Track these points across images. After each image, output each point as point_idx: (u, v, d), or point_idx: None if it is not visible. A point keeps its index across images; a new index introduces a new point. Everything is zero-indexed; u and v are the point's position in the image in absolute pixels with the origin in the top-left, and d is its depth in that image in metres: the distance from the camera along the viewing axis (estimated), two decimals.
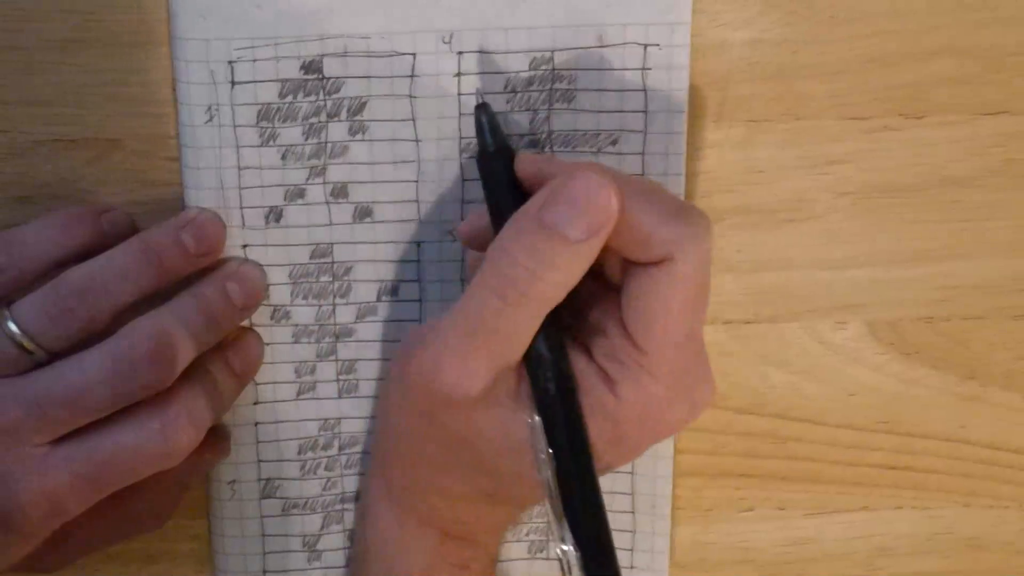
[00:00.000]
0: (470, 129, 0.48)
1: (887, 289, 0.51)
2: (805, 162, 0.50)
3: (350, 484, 0.52)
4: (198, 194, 0.48)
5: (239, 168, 0.48)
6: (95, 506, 0.45)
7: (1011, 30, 0.48)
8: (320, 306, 0.50)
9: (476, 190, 0.49)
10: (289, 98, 0.47)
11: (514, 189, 0.44)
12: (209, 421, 0.47)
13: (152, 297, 0.46)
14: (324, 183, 0.48)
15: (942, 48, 0.49)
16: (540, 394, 0.43)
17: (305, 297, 0.50)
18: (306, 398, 0.51)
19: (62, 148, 0.48)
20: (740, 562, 0.54)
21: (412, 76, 0.48)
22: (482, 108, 0.45)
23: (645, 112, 0.48)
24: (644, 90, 0.48)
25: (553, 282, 0.41)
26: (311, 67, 0.47)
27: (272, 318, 0.50)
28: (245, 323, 0.49)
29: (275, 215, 0.48)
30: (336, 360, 0.51)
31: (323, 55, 0.47)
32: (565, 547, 0.43)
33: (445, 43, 0.47)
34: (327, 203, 0.49)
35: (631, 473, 0.52)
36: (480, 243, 0.45)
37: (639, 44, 0.48)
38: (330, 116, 0.48)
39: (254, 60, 0.47)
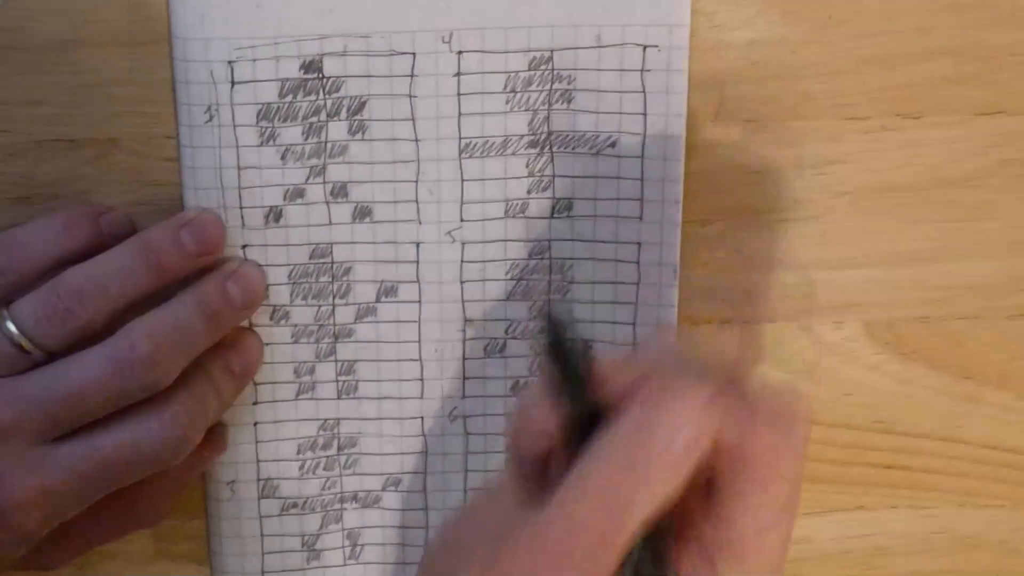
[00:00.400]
0: (470, 129, 0.48)
1: (884, 289, 0.51)
2: (803, 162, 0.50)
3: (349, 484, 0.52)
4: (197, 194, 0.48)
5: (239, 168, 0.48)
6: (93, 504, 0.45)
7: (1008, 30, 0.49)
8: (319, 306, 0.50)
9: (476, 190, 0.49)
10: (289, 98, 0.47)
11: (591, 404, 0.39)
12: (208, 421, 0.47)
13: (151, 297, 0.46)
14: (324, 183, 0.48)
15: (939, 48, 0.49)
16: None
17: (304, 297, 0.50)
18: (305, 398, 0.51)
19: (61, 148, 0.48)
20: None
21: (412, 76, 0.48)
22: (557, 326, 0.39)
23: (644, 115, 0.48)
24: (643, 92, 0.48)
25: (650, 508, 0.36)
26: (311, 67, 0.47)
27: (271, 318, 0.50)
28: (244, 323, 0.49)
29: (275, 215, 0.48)
30: (335, 360, 0.51)
31: (323, 54, 0.47)
32: None
33: (445, 43, 0.47)
34: (327, 203, 0.49)
35: None
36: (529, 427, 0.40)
37: (638, 45, 0.48)
38: (330, 116, 0.48)
39: (254, 60, 0.47)
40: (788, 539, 0.40)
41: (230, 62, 0.47)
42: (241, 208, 0.48)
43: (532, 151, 0.49)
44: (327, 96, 0.48)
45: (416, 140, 0.48)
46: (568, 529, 0.36)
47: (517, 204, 0.50)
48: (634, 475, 0.36)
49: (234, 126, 0.47)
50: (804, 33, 0.48)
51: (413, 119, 0.48)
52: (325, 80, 0.47)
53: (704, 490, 0.39)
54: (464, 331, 0.51)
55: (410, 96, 0.48)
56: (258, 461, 0.51)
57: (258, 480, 0.51)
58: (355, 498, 0.52)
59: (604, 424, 0.37)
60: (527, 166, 0.49)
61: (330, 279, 0.50)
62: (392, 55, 0.47)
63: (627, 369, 0.39)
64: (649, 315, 0.50)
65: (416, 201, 0.49)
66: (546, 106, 0.49)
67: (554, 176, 0.49)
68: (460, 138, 0.48)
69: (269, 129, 0.47)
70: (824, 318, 0.52)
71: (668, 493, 0.36)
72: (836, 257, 0.51)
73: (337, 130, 0.48)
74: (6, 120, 0.48)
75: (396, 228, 0.49)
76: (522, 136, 0.49)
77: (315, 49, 0.47)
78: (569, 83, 0.48)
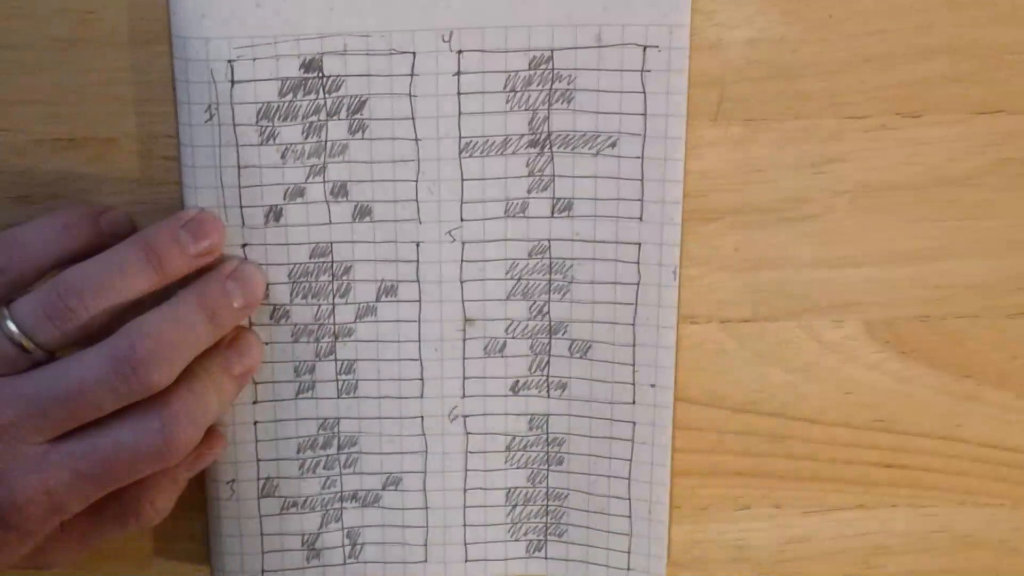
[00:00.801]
0: (470, 128, 0.48)
1: (884, 288, 0.51)
2: (803, 161, 0.50)
3: (349, 483, 0.52)
4: (197, 193, 0.48)
5: (238, 167, 0.48)
6: (93, 503, 0.45)
7: (1008, 29, 0.49)
8: (319, 305, 0.50)
9: (476, 190, 0.49)
10: (289, 97, 0.47)
11: None
12: (208, 420, 0.47)
13: (151, 296, 0.46)
14: (324, 182, 0.48)
15: (939, 47, 0.49)
16: None
17: (304, 296, 0.50)
18: (305, 397, 0.51)
19: (61, 147, 0.48)
20: (736, 560, 0.55)
21: (412, 75, 0.48)
22: None
23: (644, 115, 0.48)
24: (643, 93, 0.48)
25: None
26: (311, 66, 0.47)
27: (271, 317, 0.50)
28: (244, 322, 0.49)
29: (275, 214, 0.48)
30: (335, 360, 0.51)
31: (323, 53, 0.47)
32: None
33: (445, 42, 0.47)
34: (327, 202, 0.49)
35: (628, 479, 0.52)
36: None
37: (638, 45, 0.48)
38: (330, 115, 0.48)
39: (254, 59, 0.47)
40: None
41: (230, 61, 0.47)
42: (241, 207, 0.48)
43: (532, 151, 0.49)
44: (327, 95, 0.48)
45: (416, 139, 0.48)
46: None
47: (517, 204, 0.50)
48: None
49: (234, 125, 0.47)
50: (804, 32, 0.48)
51: (413, 118, 0.48)
52: (325, 79, 0.47)
53: None
54: (464, 331, 0.51)
55: (410, 95, 0.48)
56: (258, 460, 0.51)
57: (258, 479, 0.51)
58: (355, 497, 0.52)
59: None
60: (527, 166, 0.49)
61: (330, 278, 0.50)
62: (392, 54, 0.47)
63: None
64: (649, 316, 0.50)
65: (416, 200, 0.49)
66: (546, 106, 0.49)
67: (554, 176, 0.49)
68: (460, 137, 0.48)
69: (269, 128, 0.47)
70: (824, 317, 0.52)
71: None
72: (836, 256, 0.51)
73: (337, 129, 0.48)
74: (6, 119, 0.48)
75: (396, 227, 0.49)
76: (522, 136, 0.49)
77: (315, 48, 0.47)
78: (569, 83, 0.48)
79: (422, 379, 0.51)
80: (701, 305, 0.51)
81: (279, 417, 0.51)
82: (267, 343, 0.50)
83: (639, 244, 0.50)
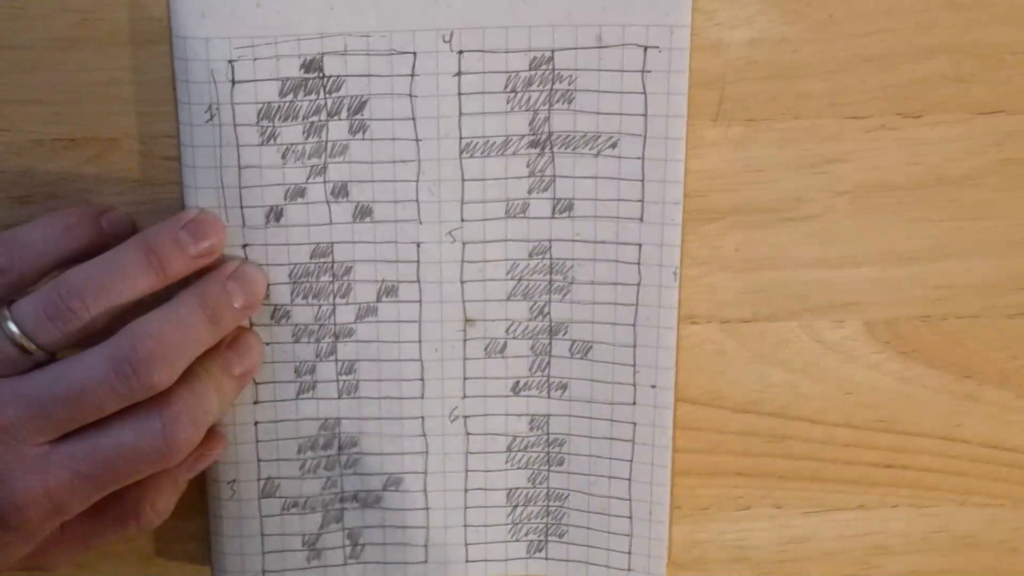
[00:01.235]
0: (470, 128, 0.48)
1: (884, 288, 0.51)
2: (803, 161, 0.50)
3: (349, 484, 0.52)
4: (198, 193, 0.48)
5: (239, 167, 0.48)
6: (94, 504, 0.45)
7: (1008, 29, 0.49)
8: (320, 306, 0.50)
9: (476, 190, 0.49)
10: (289, 97, 0.47)
11: None
12: (209, 421, 0.47)
13: (152, 297, 0.46)
14: (324, 182, 0.48)
15: (940, 47, 0.49)
16: None
17: (305, 297, 0.50)
18: (306, 398, 0.51)
19: (61, 147, 0.48)
20: (737, 560, 0.55)
21: (412, 75, 0.48)
22: None
23: (644, 116, 0.48)
24: (644, 93, 0.48)
25: None
26: (311, 66, 0.47)
27: (272, 318, 0.50)
28: (245, 323, 0.49)
29: (275, 214, 0.48)
30: (336, 360, 0.51)
31: (323, 53, 0.47)
32: None
33: (445, 42, 0.47)
34: (327, 202, 0.49)
35: (628, 479, 0.52)
36: None
37: (639, 46, 0.48)
38: (330, 115, 0.48)
39: (254, 59, 0.47)
40: None
41: (230, 61, 0.47)
42: (242, 207, 0.48)
43: (533, 151, 0.49)
44: (328, 95, 0.48)
45: (417, 139, 0.48)
46: None
47: (517, 204, 0.50)
48: None
49: (235, 125, 0.47)
50: (804, 32, 0.48)
51: (414, 118, 0.48)
52: (326, 79, 0.47)
53: None
54: (465, 331, 0.51)
55: (411, 95, 0.48)
56: (259, 460, 0.51)
57: (259, 479, 0.51)
58: (355, 498, 0.52)
59: None
60: (528, 166, 0.49)
61: (331, 279, 0.50)
62: (393, 54, 0.47)
63: None
64: (649, 316, 0.50)
65: (417, 201, 0.49)
66: (547, 106, 0.49)
67: (555, 176, 0.49)
68: (461, 138, 0.48)
69: (270, 128, 0.47)
70: (824, 317, 0.52)
71: None
72: (836, 256, 0.51)
73: (338, 129, 0.48)
74: (6, 119, 0.48)
75: (396, 228, 0.49)
76: (523, 136, 0.49)
77: (316, 48, 0.47)
78: (570, 83, 0.48)
79: (423, 380, 0.51)
80: (701, 305, 0.51)
81: (280, 417, 0.51)
82: (268, 343, 0.50)
83: (640, 245, 0.50)
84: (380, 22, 0.47)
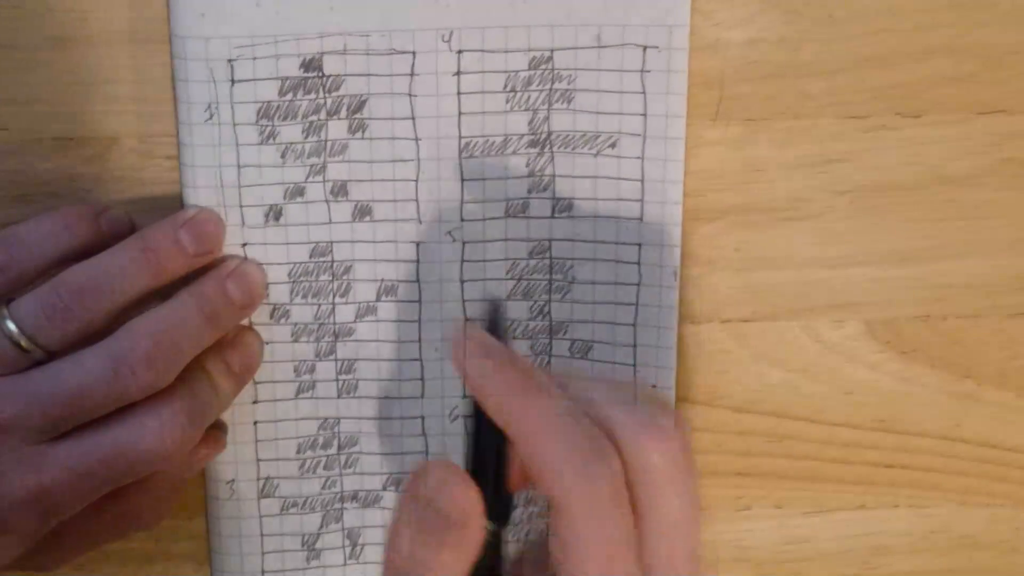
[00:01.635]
0: (470, 128, 0.48)
1: (884, 288, 0.51)
2: (803, 161, 0.50)
3: (349, 483, 0.52)
4: (197, 192, 0.48)
5: (238, 166, 0.48)
6: (92, 504, 0.45)
7: (1008, 29, 0.49)
8: (319, 305, 0.50)
9: (475, 190, 0.49)
10: (289, 96, 0.47)
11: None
12: (207, 420, 0.47)
13: (151, 296, 0.46)
14: (324, 181, 0.48)
15: (939, 47, 0.49)
16: None
17: (304, 296, 0.50)
18: (305, 397, 0.51)
19: (60, 146, 0.48)
20: (737, 560, 0.55)
21: (412, 74, 0.48)
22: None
23: (644, 116, 0.48)
24: (643, 93, 0.48)
25: (444, 569, 0.39)
26: (311, 65, 0.47)
27: (271, 317, 0.50)
28: (244, 322, 0.49)
29: (275, 214, 0.48)
30: (335, 359, 0.51)
31: (323, 53, 0.47)
32: None
33: (445, 41, 0.47)
34: (327, 202, 0.49)
35: None
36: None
37: (638, 46, 0.48)
38: (330, 114, 0.48)
39: (254, 58, 0.47)
40: (695, 554, 0.41)
41: (230, 60, 0.47)
42: (241, 207, 0.48)
43: (532, 151, 0.49)
44: (327, 95, 0.48)
45: (416, 139, 0.48)
46: None
47: (517, 204, 0.50)
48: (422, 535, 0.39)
49: (234, 124, 0.47)
50: (804, 32, 0.48)
51: (413, 118, 0.48)
52: (325, 78, 0.47)
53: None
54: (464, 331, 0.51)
55: (410, 95, 0.48)
56: (258, 460, 0.51)
57: (258, 479, 0.51)
58: (355, 497, 0.52)
59: None
60: (527, 166, 0.49)
61: (330, 278, 0.50)
62: (392, 54, 0.47)
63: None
64: (649, 316, 0.50)
65: (416, 200, 0.49)
66: (546, 106, 0.49)
67: (554, 176, 0.49)
68: (460, 137, 0.48)
69: (269, 127, 0.47)
70: (824, 317, 0.52)
71: (463, 551, 0.39)
72: (836, 256, 0.51)
73: (337, 129, 0.48)
74: (5, 118, 0.48)
75: (396, 227, 0.49)
76: (522, 136, 0.49)
77: (315, 47, 0.47)
78: (569, 83, 0.48)
79: (422, 379, 0.51)
80: (701, 305, 0.51)
81: (279, 417, 0.51)
82: (267, 343, 0.50)
83: (639, 244, 0.50)
84: (380, 22, 0.47)
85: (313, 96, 0.47)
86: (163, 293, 0.46)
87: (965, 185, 0.50)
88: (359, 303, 0.50)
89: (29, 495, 0.44)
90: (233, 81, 0.47)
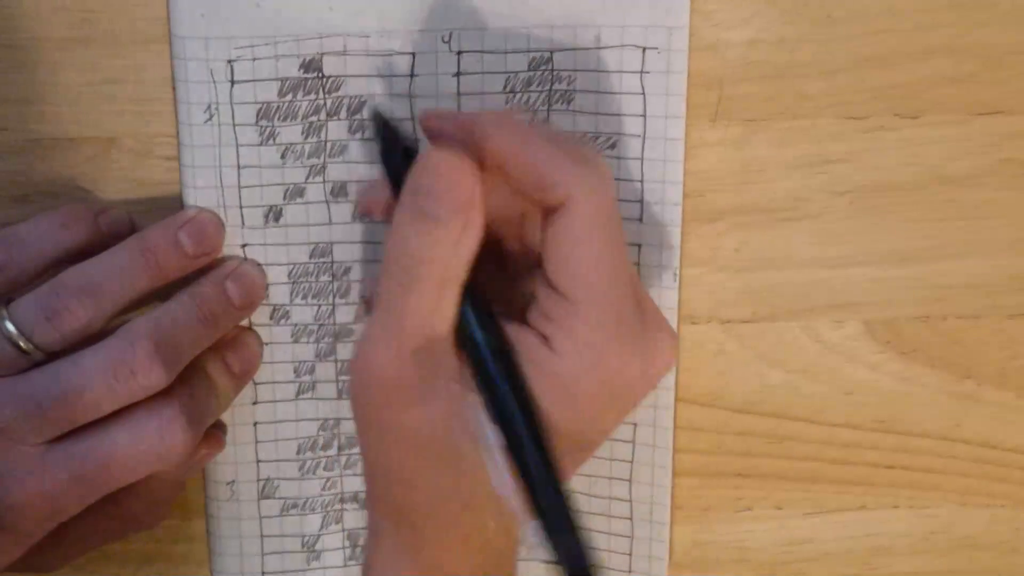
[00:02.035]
0: None
1: (884, 288, 0.51)
2: (802, 161, 0.50)
3: (349, 484, 0.52)
4: (197, 193, 0.48)
5: (238, 167, 0.48)
6: (91, 505, 0.45)
7: (1007, 29, 0.49)
8: (319, 306, 0.50)
9: None
10: (288, 97, 0.47)
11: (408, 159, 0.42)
12: (207, 421, 0.47)
13: (151, 296, 0.46)
14: (324, 182, 0.48)
15: (938, 48, 0.49)
16: (475, 367, 0.41)
17: (304, 297, 0.50)
18: (305, 398, 0.51)
19: (60, 147, 0.48)
20: (738, 561, 0.55)
21: (412, 75, 0.48)
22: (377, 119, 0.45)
23: (643, 116, 0.48)
24: (643, 94, 0.48)
25: (442, 260, 0.40)
26: (310, 66, 0.47)
27: (271, 318, 0.50)
28: (244, 323, 0.49)
29: (274, 214, 0.48)
30: (335, 360, 0.50)
31: (322, 54, 0.47)
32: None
33: (444, 42, 0.47)
34: (327, 202, 0.49)
35: (629, 480, 0.52)
36: (381, 213, 0.45)
37: (637, 47, 0.48)
38: (329, 115, 0.48)
39: (253, 59, 0.47)
40: (636, 294, 0.43)
41: (230, 61, 0.47)
42: (241, 207, 0.48)
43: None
44: (327, 95, 0.48)
45: (416, 139, 0.48)
46: (387, 288, 0.41)
47: None
48: (422, 225, 0.40)
49: (234, 125, 0.47)
50: (803, 32, 0.49)
51: (413, 119, 0.48)
52: (325, 79, 0.47)
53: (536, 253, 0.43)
54: None
55: (410, 96, 0.48)
56: (258, 461, 0.51)
57: (258, 480, 0.51)
58: (355, 498, 0.52)
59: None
60: None
61: (330, 278, 0.50)
62: (392, 54, 0.47)
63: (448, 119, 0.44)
64: None
65: None
66: (546, 107, 0.49)
67: None
68: None
69: (269, 128, 0.47)
70: (824, 317, 0.52)
71: (459, 247, 0.40)
72: (836, 256, 0.51)
73: (337, 129, 0.48)
74: (5, 118, 0.48)
75: None
76: None
77: (315, 48, 0.47)
78: (569, 84, 0.48)
79: None
80: (701, 305, 0.51)
81: (279, 418, 0.51)
82: (267, 343, 0.50)
83: (639, 245, 0.50)
84: (379, 22, 0.47)
85: (313, 97, 0.47)
86: (163, 293, 0.46)
87: (965, 185, 0.50)
88: (359, 304, 0.50)
89: (29, 497, 0.44)
90: (233, 82, 0.47)
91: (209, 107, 0.47)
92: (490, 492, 0.41)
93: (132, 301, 0.45)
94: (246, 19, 0.46)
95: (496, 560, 0.42)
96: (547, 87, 0.48)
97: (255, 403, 0.50)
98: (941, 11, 0.48)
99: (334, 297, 0.50)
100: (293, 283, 0.49)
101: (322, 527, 0.52)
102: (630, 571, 0.53)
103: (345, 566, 0.53)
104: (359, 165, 0.48)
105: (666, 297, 0.50)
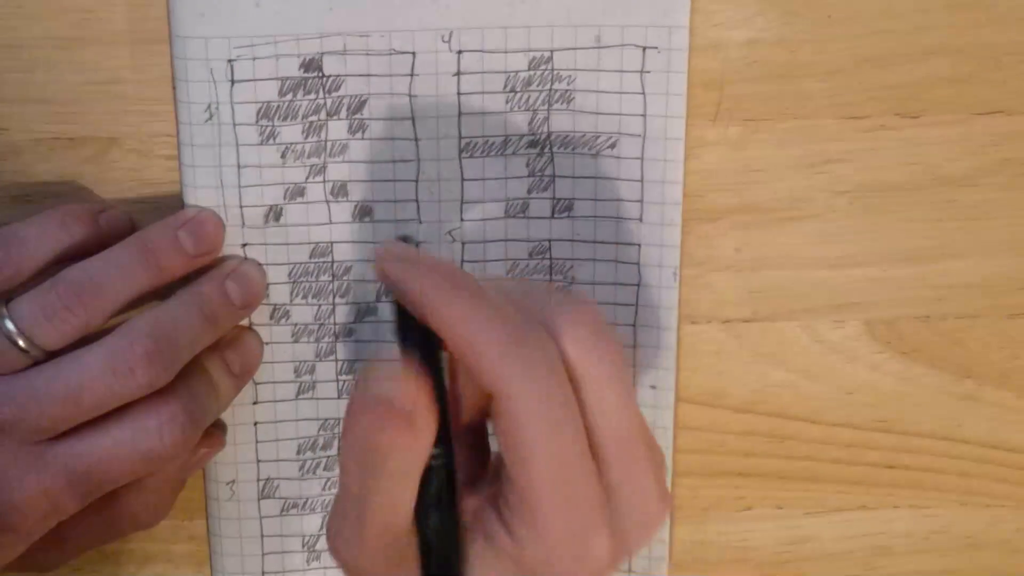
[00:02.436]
0: (470, 128, 0.48)
1: (884, 288, 0.51)
2: (802, 161, 0.50)
3: None
4: (197, 193, 0.48)
5: (238, 167, 0.48)
6: (91, 504, 0.45)
7: (1007, 29, 0.49)
8: (320, 305, 0.50)
9: (475, 190, 0.49)
10: (289, 96, 0.47)
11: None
12: (207, 421, 0.46)
13: (151, 296, 0.46)
14: (324, 182, 0.48)
15: (938, 48, 0.49)
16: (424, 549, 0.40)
17: (305, 296, 0.50)
18: (305, 398, 0.51)
19: (60, 146, 0.48)
20: (738, 561, 0.54)
21: (411, 75, 0.48)
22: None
23: (644, 116, 0.48)
24: (643, 94, 0.48)
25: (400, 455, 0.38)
26: (311, 65, 0.47)
27: (271, 317, 0.50)
28: (244, 322, 0.49)
29: (275, 214, 0.48)
30: (336, 360, 0.51)
31: (322, 53, 0.47)
32: None
33: (444, 42, 0.47)
34: (327, 202, 0.49)
35: None
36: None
37: (637, 46, 0.48)
38: (330, 114, 0.48)
39: (253, 58, 0.47)
40: (584, 489, 0.39)
41: (230, 60, 0.47)
42: (241, 207, 0.48)
43: (532, 151, 0.49)
44: (327, 95, 0.48)
45: (416, 139, 0.48)
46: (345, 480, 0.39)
47: (517, 204, 0.50)
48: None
49: (234, 124, 0.47)
50: (803, 32, 0.49)
51: (413, 118, 0.48)
52: (325, 79, 0.47)
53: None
54: None
55: (410, 95, 0.48)
56: (258, 461, 0.51)
57: (258, 480, 0.51)
58: None
59: None
60: (527, 166, 0.49)
61: (330, 278, 0.50)
62: (392, 54, 0.47)
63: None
64: (649, 316, 0.50)
65: (416, 200, 0.49)
66: (546, 106, 0.49)
67: (554, 176, 0.49)
68: (460, 137, 0.48)
69: (269, 128, 0.47)
70: (824, 317, 0.52)
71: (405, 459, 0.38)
72: (836, 256, 0.51)
73: (337, 129, 0.48)
74: (5, 118, 0.48)
75: (396, 227, 0.49)
76: (522, 136, 0.49)
77: (315, 48, 0.47)
78: (569, 83, 0.48)
79: None
80: (701, 305, 0.51)
81: (279, 418, 0.51)
82: (267, 343, 0.50)
83: (639, 245, 0.50)
84: (379, 22, 0.47)
85: (313, 96, 0.48)
86: (163, 293, 0.46)
87: (965, 185, 0.50)
88: (359, 303, 0.50)
89: (29, 495, 0.44)
90: (233, 81, 0.47)
91: (209, 107, 0.47)
92: None
93: (132, 300, 0.45)
94: (246, 19, 0.46)
95: None
96: (547, 87, 0.48)
97: (255, 403, 0.50)
98: (940, 11, 0.48)
99: (334, 297, 0.50)
100: (293, 283, 0.49)
101: (322, 527, 0.52)
102: (630, 571, 0.53)
103: None
104: (359, 165, 0.48)
105: (666, 297, 0.50)
